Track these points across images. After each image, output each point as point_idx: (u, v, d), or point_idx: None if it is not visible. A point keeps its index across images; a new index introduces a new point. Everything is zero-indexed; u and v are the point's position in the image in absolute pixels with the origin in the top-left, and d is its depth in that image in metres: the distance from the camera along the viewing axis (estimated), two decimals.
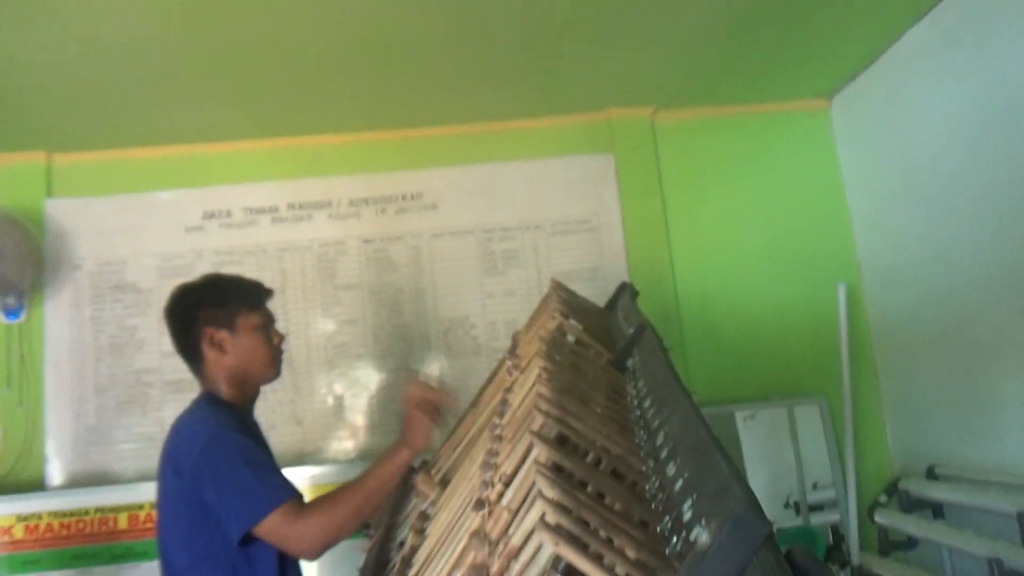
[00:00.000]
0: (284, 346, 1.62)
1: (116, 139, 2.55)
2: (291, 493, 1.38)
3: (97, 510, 2.31)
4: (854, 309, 2.59)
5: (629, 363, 1.25)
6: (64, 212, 2.59)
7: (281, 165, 2.63)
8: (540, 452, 0.74)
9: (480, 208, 2.60)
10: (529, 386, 1.00)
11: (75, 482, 2.45)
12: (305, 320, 2.55)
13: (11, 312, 2.52)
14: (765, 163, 2.65)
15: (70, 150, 2.60)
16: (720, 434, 0.68)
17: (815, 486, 2.51)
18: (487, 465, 0.87)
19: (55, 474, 2.46)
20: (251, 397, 1.60)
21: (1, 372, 2.50)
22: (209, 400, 1.53)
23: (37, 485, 2.43)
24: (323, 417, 2.51)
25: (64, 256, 2.58)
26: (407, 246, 2.58)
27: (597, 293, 2.14)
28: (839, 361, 2.54)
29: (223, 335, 1.54)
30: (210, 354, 1.54)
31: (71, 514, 2.32)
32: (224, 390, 1.54)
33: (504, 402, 1.08)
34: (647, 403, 0.93)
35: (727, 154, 2.65)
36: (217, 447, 1.39)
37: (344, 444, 2.50)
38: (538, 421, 0.82)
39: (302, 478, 2.34)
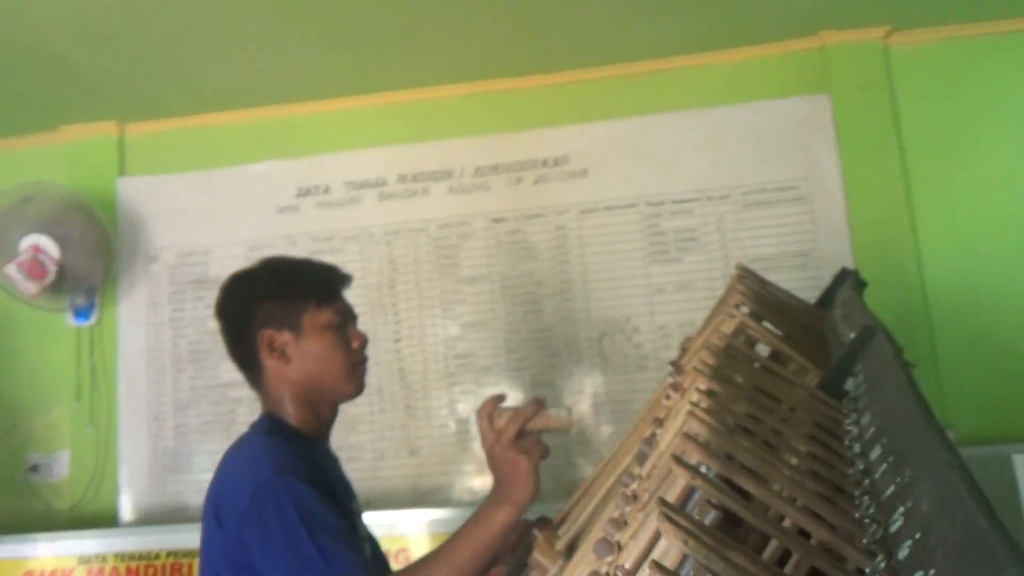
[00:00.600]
0: (368, 351, 1.29)
1: (195, 103, 2.10)
2: (357, 567, 1.10)
3: (170, 554, 1.90)
4: None
5: (849, 385, 0.94)
6: (138, 192, 2.17)
7: (389, 127, 2.09)
8: (671, 545, 0.49)
9: (645, 174, 1.96)
10: (680, 423, 0.76)
11: (149, 518, 2.03)
12: (420, 322, 2.01)
13: (81, 313, 2.12)
14: None
15: (144, 118, 2.17)
16: (990, 487, 0.45)
17: None
18: (604, 545, 0.65)
19: (127, 507, 2.05)
20: (326, 421, 1.30)
21: (70, 383, 2.11)
22: (270, 427, 1.25)
23: (110, 520, 2.03)
24: (443, 447, 1.97)
25: (139, 245, 2.15)
26: (549, 226, 1.98)
27: (808, 288, 1.54)
28: None
29: (285, 338, 1.26)
30: (269, 363, 1.25)
31: (140, 557, 1.90)
32: (290, 411, 1.26)
33: (651, 441, 0.81)
34: (875, 451, 0.66)
35: (1000, 90, 1.87)
36: (270, 497, 1.13)
37: (470, 481, 1.95)
38: (678, 484, 0.60)
39: (417, 524, 1.84)
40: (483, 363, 1.98)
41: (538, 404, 1.13)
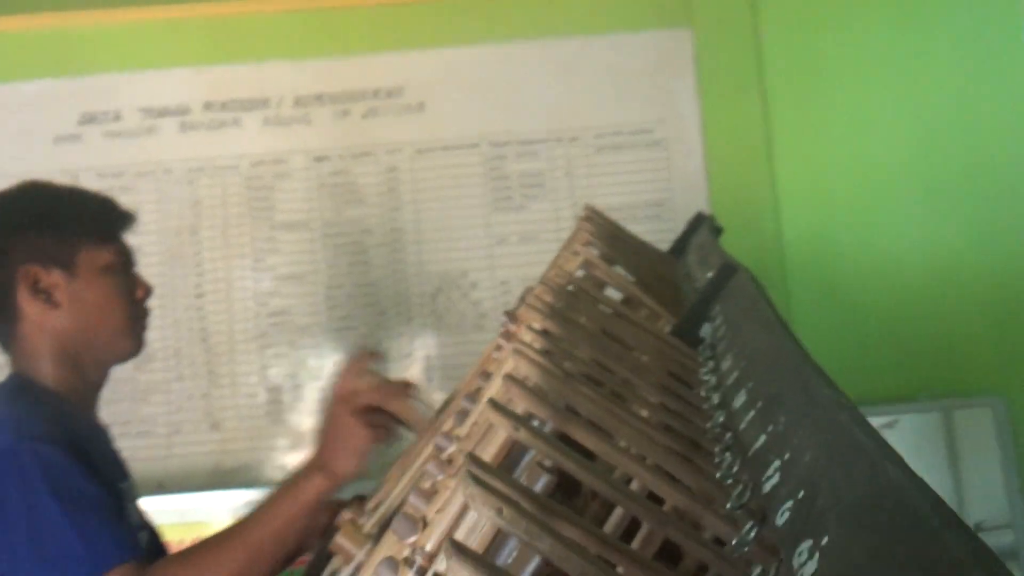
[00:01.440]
0: (160, 306, 1.26)
1: None
2: (124, 549, 0.94)
3: None
4: None
5: (706, 331, 0.85)
6: None
7: (194, 44, 1.78)
8: (481, 516, 0.38)
9: (488, 111, 1.73)
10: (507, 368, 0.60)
11: None
12: (227, 274, 1.73)
13: None
14: (925, 39, 1.75)
15: None
16: None
17: (978, 527, 1.71)
18: (407, 523, 0.50)
19: None
20: (93, 384, 1.10)
21: None
22: (16, 388, 1.05)
23: None
24: (251, 419, 1.70)
25: None
26: (379, 167, 1.73)
27: (663, 242, 1.41)
28: None
29: (55, 278, 1.06)
30: (31, 308, 1.05)
31: None
32: (48, 369, 1.05)
33: (475, 396, 0.66)
34: (739, 398, 0.53)
35: (865, 27, 1.75)
36: (11, 467, 0.94)
37: (281, 459, 1.70)
38: (497, 438, 0.47)
39: (219, 507, 1.59)
40: (300, 322, 1.73)
41: (409, 388, 1.01)
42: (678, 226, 1.63)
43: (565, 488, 0.51)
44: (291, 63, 1.77)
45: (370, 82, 1.75)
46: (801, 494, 0.33)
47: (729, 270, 0.90)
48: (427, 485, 0.58)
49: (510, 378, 0.53)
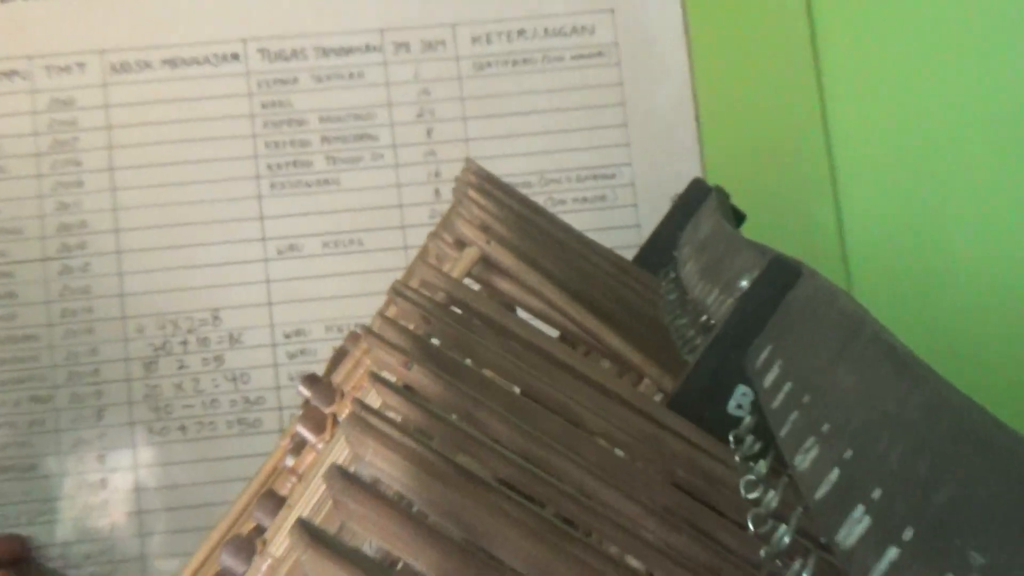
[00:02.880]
0: None
1: None
2: None
3: None
4: None
5: (740, 399, 0.41)
6: None
7: None
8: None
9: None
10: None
11: None
12: None
13: None
14: None
15: None
16: None
17: None
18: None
19: None
20: None
21: None
22: None
23: None
24: None
25: None
26: (33, 99, 0.84)
27: (618, 237, 0.71)
28: None
29: None
30: None
31: None
32: None
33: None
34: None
35: None
36: None
37: None
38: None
39: None
40: None
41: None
42: (645, 212, 0.81)
43: None
44: None
45: None
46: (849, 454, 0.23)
47: (784, 272, 0.41)
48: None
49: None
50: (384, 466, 0.24)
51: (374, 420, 0.26)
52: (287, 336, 0.83)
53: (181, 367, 0.82)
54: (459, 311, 0.51)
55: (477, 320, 0.52)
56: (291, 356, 0.83)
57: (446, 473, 0.24)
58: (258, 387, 0.82)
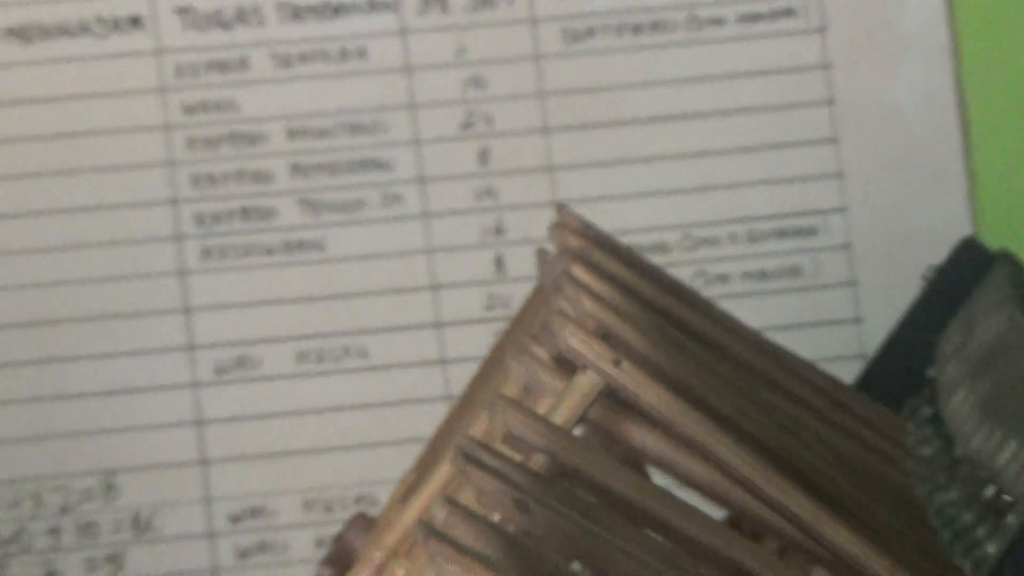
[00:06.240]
0: None
1: None
2: None
3: None
4: None
5: None
6: None
7: None
8: None
9: None
10: None
11: None
12: None
13: None
14: None
15: None
16: None
17: None
18: None
19: None
20: None
21: None
22: None
23: None
24: None
25: None
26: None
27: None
28: None
29: None
30: None
31: None
32: None
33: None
34: None
35: None
36: None
37: None
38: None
39: None
40: None
41: None
42: (870, 295, 0.46)
43: None
44: None
45: None
46: None
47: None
48: None
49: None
50: None
51: None
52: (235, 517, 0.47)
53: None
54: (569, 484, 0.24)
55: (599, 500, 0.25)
56: (241, 555, 0.47)
57: None
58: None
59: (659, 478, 0.25)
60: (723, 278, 0.46)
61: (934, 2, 0.47)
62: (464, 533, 0.17)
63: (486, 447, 0.21)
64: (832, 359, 0.41)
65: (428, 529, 0.17)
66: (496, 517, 0.19)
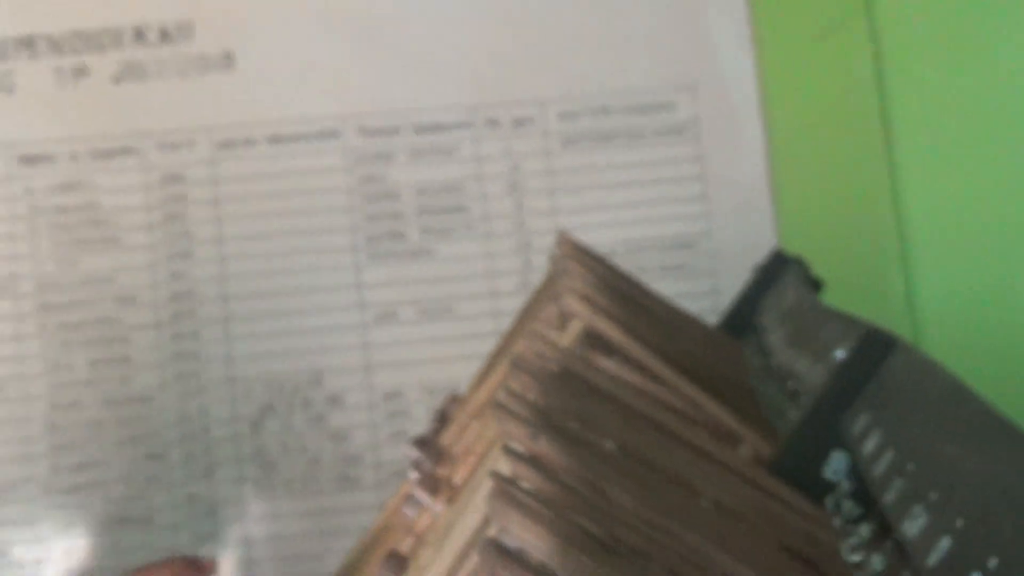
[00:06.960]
0: None
1: None
2: None
3: None
4: None
5: (836, 462, 0.43)
6: None
7: None
8: None
9: (354, 69, 0.91)
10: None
11: None
12: None
13: None
14: None
15: None
16: None
17: None
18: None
19: None
20: None
21: None
22: None
23: None
24: None
25: None
26: (147, 174, 0.90)
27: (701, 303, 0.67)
28: None
29: None
30: None
31: None
32: None
33: None
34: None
35: None
36: None
37: None
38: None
39: None
40: (17, 474, 0.89)
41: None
42: (726, 280, 0.86)
43: None
44: None
45: (129, 14, 0.91)
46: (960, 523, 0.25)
47: (880, 343, 0.45)
48: None
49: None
50: (529, 538, 0.26)
51: (515, 492, 0.28)
52: (385, 398, 0.88)
53: (286, 427, 0.87)
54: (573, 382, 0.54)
55: (592, 391, 0.55)
56: (389, 416, 0.88)
57: (591, 546, 0.28)
58: (357, 446, 0.88)
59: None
60: (645, 270, 0.87)
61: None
62: (517, 407, 0.33)
63: (527, 360, 0.58)
64: (700, 314, 0.81)
65: (498, 401, 0.36)
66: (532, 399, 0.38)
